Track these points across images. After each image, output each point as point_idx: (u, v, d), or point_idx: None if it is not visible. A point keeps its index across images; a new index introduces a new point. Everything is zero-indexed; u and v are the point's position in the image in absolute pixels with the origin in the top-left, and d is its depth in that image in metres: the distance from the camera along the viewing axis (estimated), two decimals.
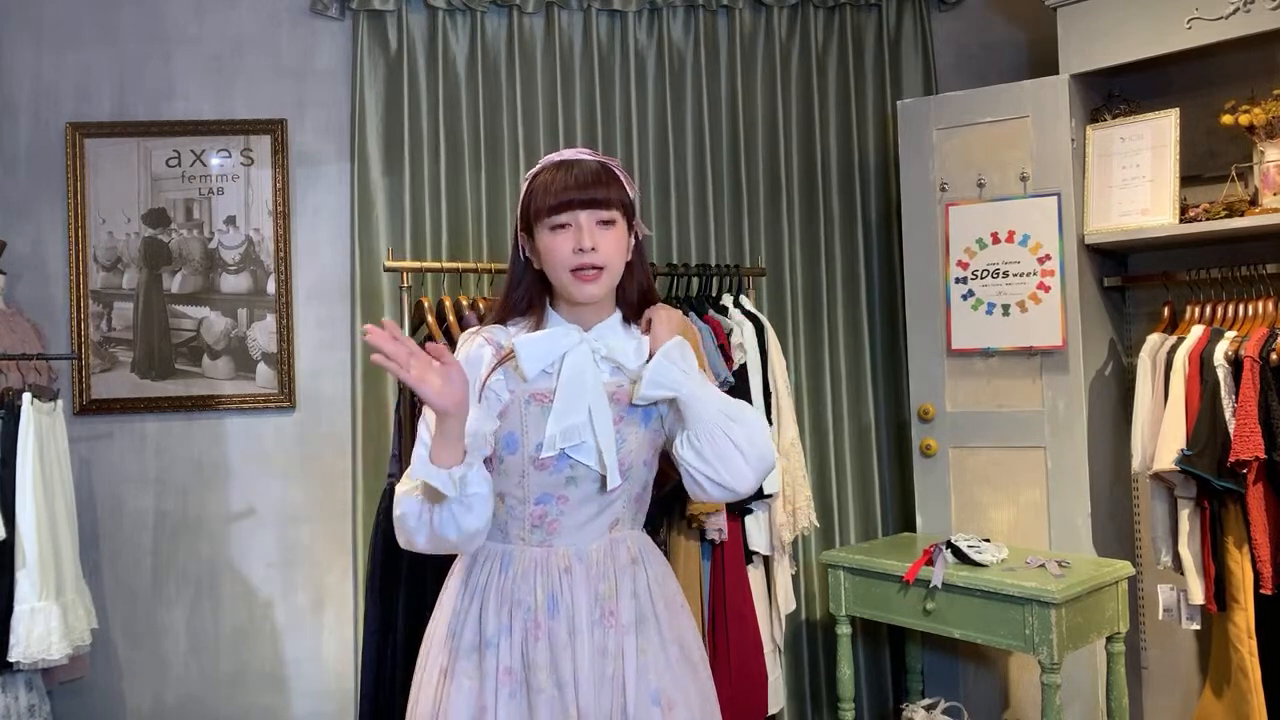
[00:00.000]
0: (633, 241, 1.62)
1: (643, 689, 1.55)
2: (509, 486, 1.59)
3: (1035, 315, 2.92)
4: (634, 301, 1.66)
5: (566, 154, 1.61)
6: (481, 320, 2.50)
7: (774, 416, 2.88)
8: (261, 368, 3.18)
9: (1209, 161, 2.89)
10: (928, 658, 3.18)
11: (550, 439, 1.53)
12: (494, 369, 1.56)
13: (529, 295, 1.63)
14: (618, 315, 1.65)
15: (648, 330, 1.63)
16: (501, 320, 1.65)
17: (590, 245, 1.52)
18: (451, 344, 2.42)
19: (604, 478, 1.57)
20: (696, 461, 1.55)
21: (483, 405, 1.53)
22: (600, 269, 1.54)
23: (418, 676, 1.63)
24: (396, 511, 1.46)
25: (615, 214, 1.56)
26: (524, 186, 1.62)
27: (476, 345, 1.61)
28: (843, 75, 3.44)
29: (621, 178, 1.60)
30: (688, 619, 1.69)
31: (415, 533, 1.45)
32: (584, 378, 1.56)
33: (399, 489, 1.48)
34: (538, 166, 1.61)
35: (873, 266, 3.46)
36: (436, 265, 2.73)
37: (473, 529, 1.44)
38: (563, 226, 1.53)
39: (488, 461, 1.53)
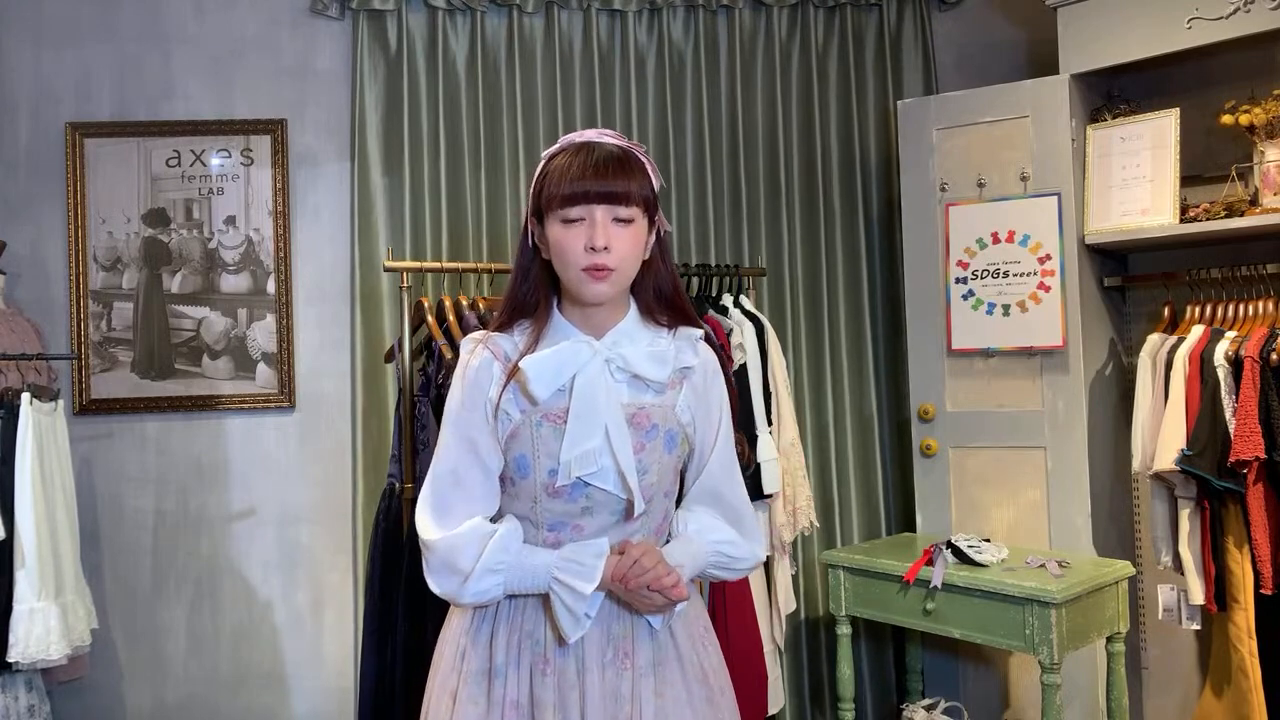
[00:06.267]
0: (653, 237, 1.49)
1: None
2: (522, 510, 1.49)
3: (1035, 315, 2.92)
4: (653, 300, 1.52)
5: (589, 135, 1.46)
6: (482, 320, 2.51)
7: (774, 416, 2.88)
8: (261, 368, 3.18)
9: (1209, 161, 2.89)
10: (928, 658, 3.18)
11: (565, 466, 1.42)
12: (504, 388, 1.46)
13: (537, 289, 1.50)
14: (633, 312, 1.51)
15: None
16: (507, 323, 1.51)
17: (603, 244, 1.39)
18: (452, 344, 2.43)
19: (625, 507, 1.46)
20: None
21: (493, 435, 1.47)
22: (612, 270, 1.41)
23: (427, 698, 1.56)
24: (439, 536, 1.45)
25: (634, 211, 1.42)
26: (539, 167, 1.47)
27: (483, 357, 1.49)
28: (843, 75, 3.44)
29: (647, 166, 1.46)
30: (712, 648, 1.60)
31: (443, 572, 1.46)
32: (598, 397, 1.44)
33: (463, 528, 1.45)
34: (556, 146, 1.47)
35: (873, 266, 3.46)
36: (436, 265, 2.72)
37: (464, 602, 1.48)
38: (576, 221, 1.40)
39: (500, 480, 1.49)
